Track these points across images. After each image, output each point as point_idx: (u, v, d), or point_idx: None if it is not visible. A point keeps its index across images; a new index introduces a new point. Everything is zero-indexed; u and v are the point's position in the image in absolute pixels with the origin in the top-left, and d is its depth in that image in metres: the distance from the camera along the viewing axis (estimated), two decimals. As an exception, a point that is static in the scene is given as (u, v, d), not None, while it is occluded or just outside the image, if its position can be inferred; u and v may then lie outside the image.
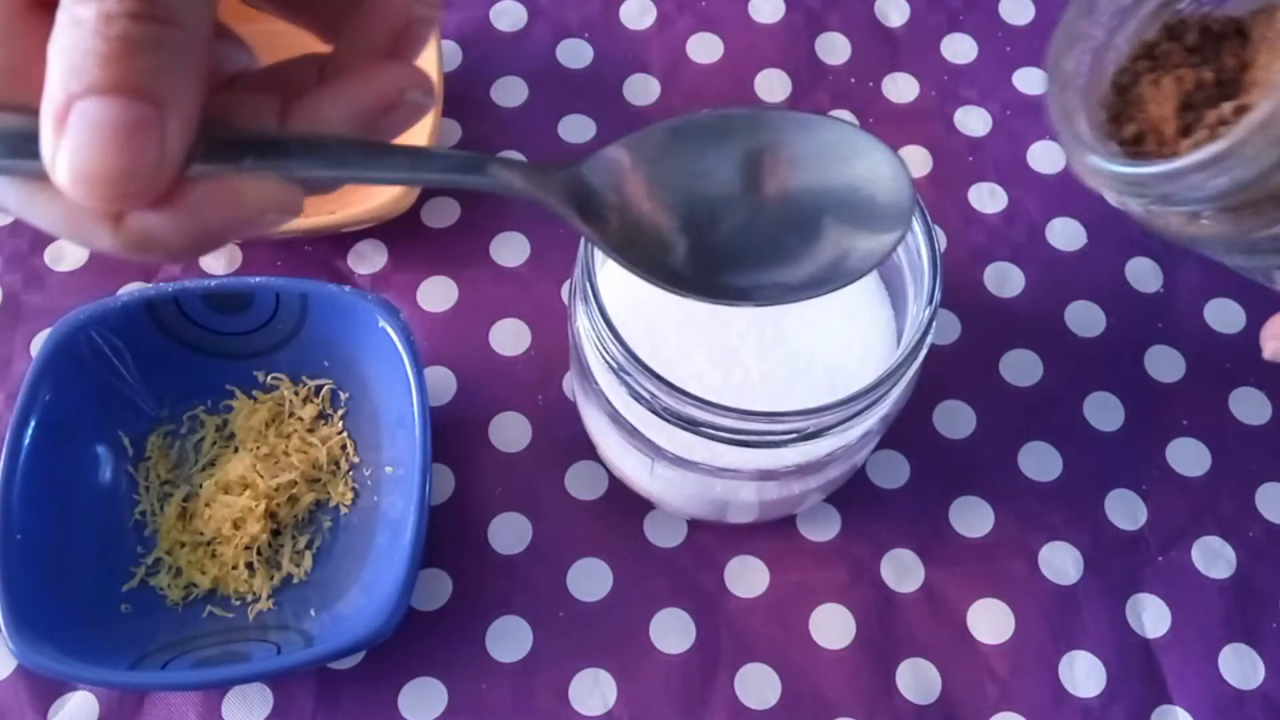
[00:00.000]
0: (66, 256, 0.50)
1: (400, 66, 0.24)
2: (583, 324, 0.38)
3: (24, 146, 0.21)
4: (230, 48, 0.26)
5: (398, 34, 0.24)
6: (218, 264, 0.50)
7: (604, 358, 0.37)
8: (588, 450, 0.47)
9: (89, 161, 0.20)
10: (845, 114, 0.55)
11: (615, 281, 0.41)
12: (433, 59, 0.50)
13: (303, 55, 0.25)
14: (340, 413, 0.46)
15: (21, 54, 0.21)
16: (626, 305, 0.40)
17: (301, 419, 0.46)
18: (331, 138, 0.23)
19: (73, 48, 0.19)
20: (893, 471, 0.47)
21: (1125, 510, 0.47)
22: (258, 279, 0.44)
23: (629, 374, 0.36)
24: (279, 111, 0.24)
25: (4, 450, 0.41)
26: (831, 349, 0.41)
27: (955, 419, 0.48)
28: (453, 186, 0.25)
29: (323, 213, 0.47)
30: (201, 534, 0.44)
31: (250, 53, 0.27)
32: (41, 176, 0.20)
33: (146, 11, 0.19)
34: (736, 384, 0.40)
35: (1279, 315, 0.28)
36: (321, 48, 0.26)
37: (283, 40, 0.28)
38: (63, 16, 0.20)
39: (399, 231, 0.51)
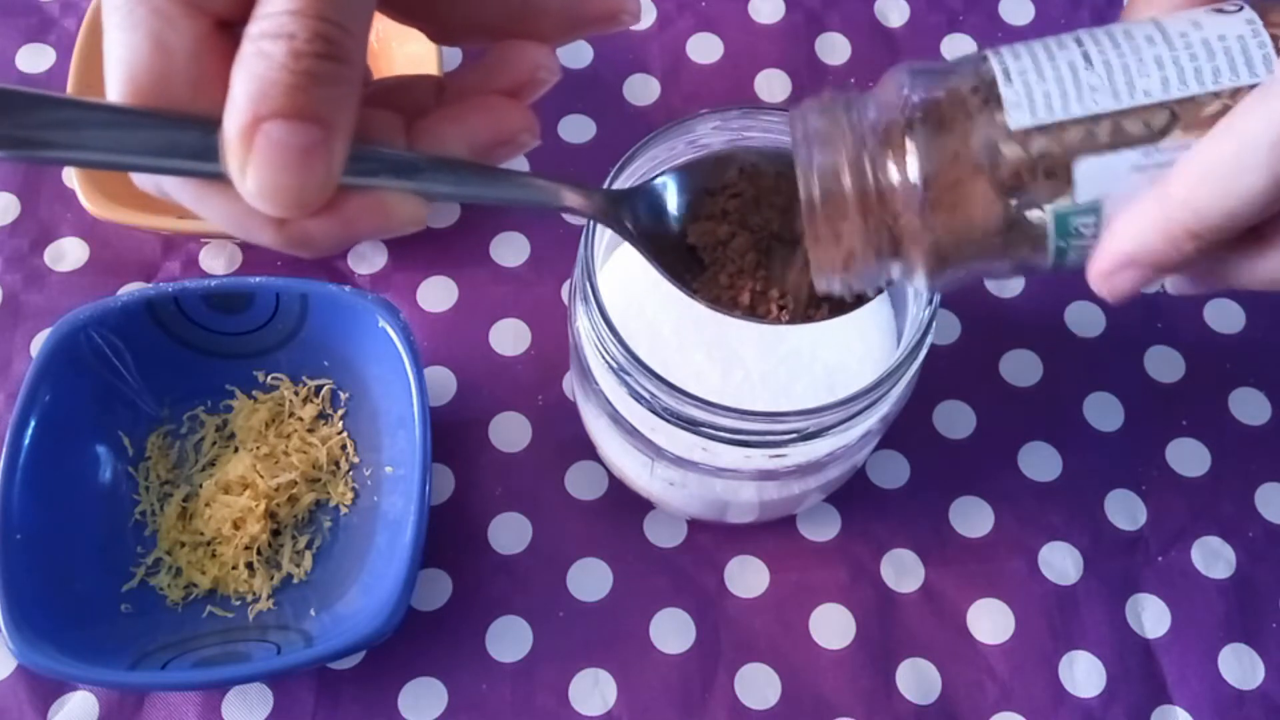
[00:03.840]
0: (66, 256, 0.50)
1: (519, 109, 0.28)
2: (583, 324, 0.38)
3: (206, 154, 0.23)
4: None
5: (520, 85, 0.28)
6: (218, 264, 0.50)
7: (604, 358, 0.37)
8: (588, 450, 0.47)
9: (272, 177, 0.23)
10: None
11: (615, 281, 0.41)
12: (433, 59, 0.50)
13: (421, 75, 0.30)
14: (340, 413, 0.46)
15: (206, 70, 0.24)
16: (626, 305, 0.40)
17: (301, 419, 0.46)
18: (457, 161, 0.27)
19: (261, 75, 0.22)
20: (893, 471, 0.47)
21: (1125, 510, 0.47)
22: (258, 279, 0.44)
23: (629, 374, 0.36)
24: (404, 130, 0.27)
25: (4, 450, 0.41)
26: (831, 349, 0.41)
27: (955, 419, 0.48)
28: (552, 211, 0.29)
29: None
30: (201, 534, 0.44)
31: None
32: (217, 179, 0.24)
33: (327, 52, 0.23)
34: (736, 384, 0.40)
35: (1102, 254, 0.28)
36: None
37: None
38: (249, 46, 0.23)
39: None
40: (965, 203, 0.27)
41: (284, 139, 0.22)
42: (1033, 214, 0.27)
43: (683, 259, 0.32)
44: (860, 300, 0.33)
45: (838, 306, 0.32)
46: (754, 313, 0.32)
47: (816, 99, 0.29)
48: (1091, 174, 0.26)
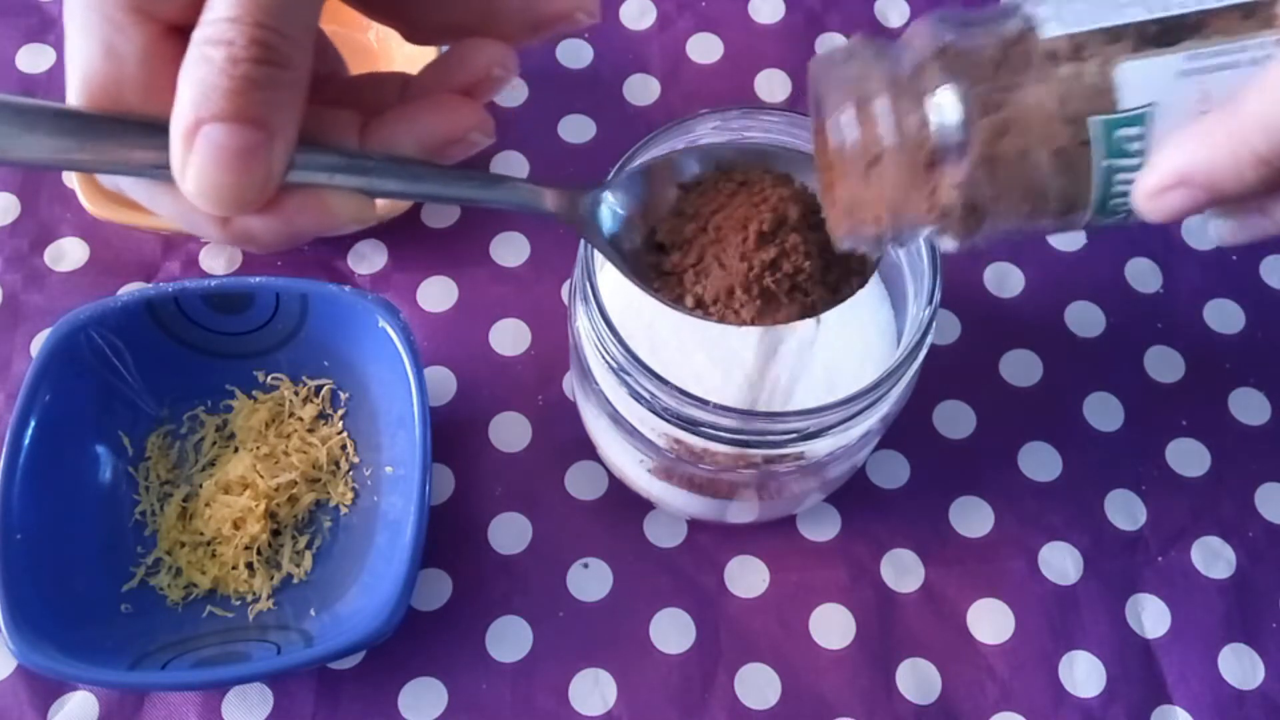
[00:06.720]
0: (66, 256, 0.50)
1: (471, 108, 0.28)
2: (583, 324, 0.38)
3: (154, 155, 0.25)
4: (319, 51, 0.29)
5: (476, 83, 0.28)
6: (218, 264, 0.50)
7: (604, 358, 0.37)
8: (588, 450, 0.47)
9: (211, 177, 0.24)
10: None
11: (615, 281, 0.41)
12: (432, 59, 0.50)
13: (388, 73, 0.30)
14: (340, 413, 0.46)
15: (156, 74, 0.25)
16: (626, 305, 0.40)
17: (301, 419, 0.46)
18: (405, 159, 0.27)
19: (202, 80, 0.23)
20: (893, 471, 0.47)
21: (1125, 510, 0.47)
22: (258, 279, 0.44)
23: (629, 374, 0.36)
24: (359, 128, 0.28)
25: (4, 450, 0.41)
26: (831, 349, 0.41)
27: (955, 419, 0.48)
28: (505, 210, 0.29)
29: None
30: (201, 534, 0.44)
31: (338, 57, 0.31)
32: (167, 179, 0.24)
33: (265, 57, 0.23)
34: (737, 384, 0.40)
35: (1155, 169, 0.26)
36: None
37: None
38: (194, 51, 0.24)
39: (399, 231, 0.51)
40: (1007, 133, 0.26)
41: (222, 141, 0.23)
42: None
43: (653, 256, 0.32)
44: (835, 301, 0.32)
45: (802, 310, 0.32)
46: (713, 313, 0.32)
47: (841, 49, 0.28)
48: (1134, 78, 0.25)
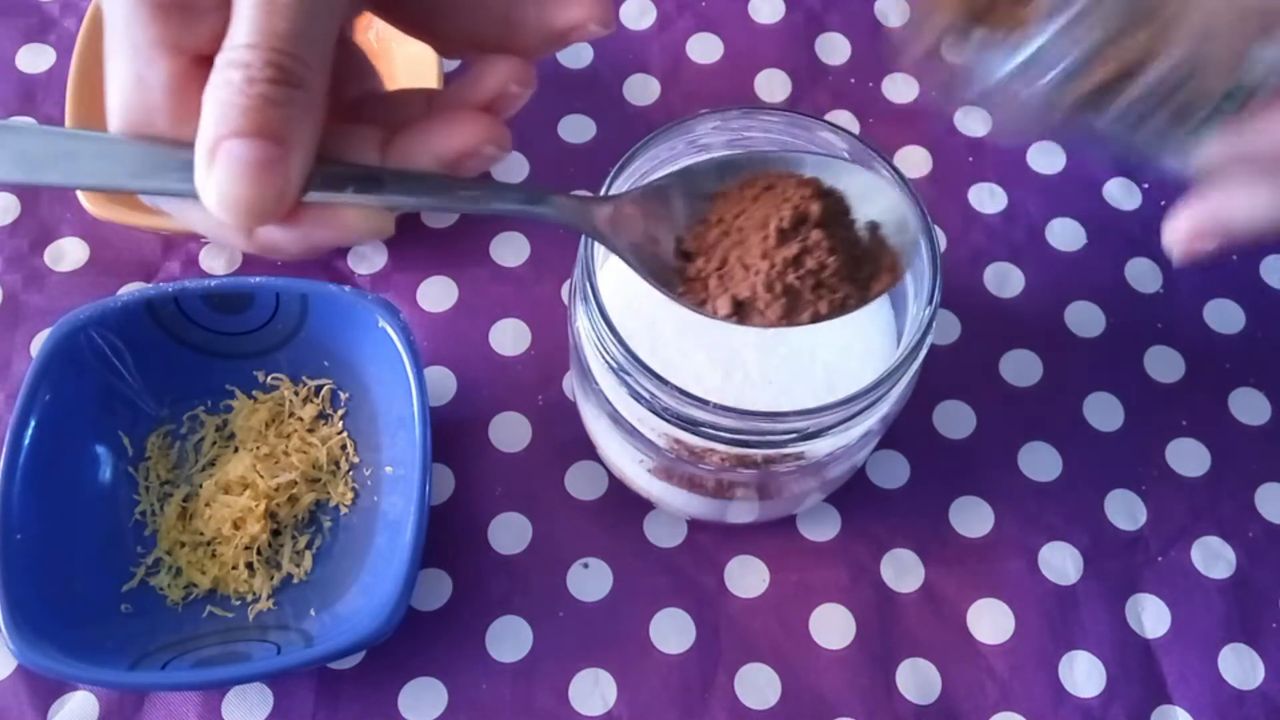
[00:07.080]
0: (66, 256, 0.50)
1: (484, 123, 0.29)
2: (583, 324, 0.38)
3: (183, 173, 0.26)
4: (359, 73, 0.32)
5: (493, 99, 0.29)
6: (218, 264, 0.50)
7: (604, 358, 0.37)
8: (588, 450, 0.47)
9: (231, 190, 0.25)
10: (846, 115, 0.55)
11: (615, 281, 0.41)
12: (432, 60, 0.50)
13: (414, 90, 0.31)
14: (340, 413, 0.46)
15: (184, 102, 0.26)
16: (626, 305, 0.40)
17: (301, 419, 0.46)
18: (421, 173, 0.28)
19: (223, 100, 0.25)
20: (893, 471, 0.47)
21: (1125, 510, 0.47)
22: (258, 279, 0.44)
23: (629, 374, 0.36)
24: (381, 144, 0.29)
25: (4, 450, 0.41)
26: (831, 349, 0.41)
27: (955, 419, 0.48)
28: (516, 217, 0.30)
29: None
30: (201, 534, 0.44)
31: (375, 76, 0.32)
32: (195, 195, 0.26)
33: (280, 77, 0.25)
34: (737, 384, 0.40)
35: (1183, 209, 0.30)
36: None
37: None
38: (215, 76, 0.25)
39: (399, 232, 0.50)
40: (1176, 49, 0.28)
41: (241, 155, 0.25)
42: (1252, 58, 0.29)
43: (680, 263, 0.32)
44: (867, 298, 0.33)
45: (831, 308, 0.32)
46: (739, 317, 0.32)
47: None
48: (1258, 60, 0.28)
